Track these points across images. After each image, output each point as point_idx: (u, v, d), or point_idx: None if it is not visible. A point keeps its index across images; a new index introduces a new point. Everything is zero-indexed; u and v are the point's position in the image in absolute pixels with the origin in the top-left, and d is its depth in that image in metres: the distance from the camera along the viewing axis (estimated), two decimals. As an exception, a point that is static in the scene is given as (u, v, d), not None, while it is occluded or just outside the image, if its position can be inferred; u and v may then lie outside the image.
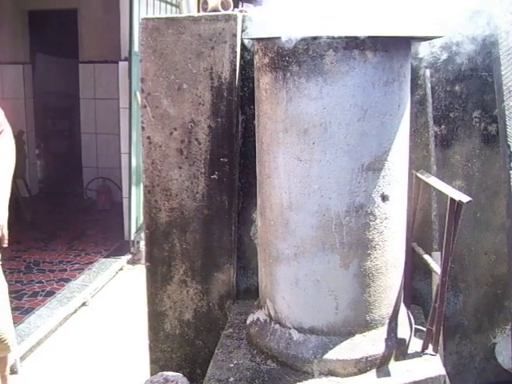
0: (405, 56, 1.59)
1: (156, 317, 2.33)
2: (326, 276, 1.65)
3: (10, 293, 4.65)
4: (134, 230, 5.89)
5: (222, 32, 1.96)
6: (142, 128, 2.06)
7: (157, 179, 2.11)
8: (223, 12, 2.04)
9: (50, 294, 4.85)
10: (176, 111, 2.02)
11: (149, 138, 2.07)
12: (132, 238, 5.88)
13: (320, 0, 1.52)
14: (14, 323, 4.21)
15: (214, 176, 2.06)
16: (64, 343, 4.17)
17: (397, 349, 1.74)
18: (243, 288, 2.29)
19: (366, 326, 1.72)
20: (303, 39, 1.46)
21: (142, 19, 2.03)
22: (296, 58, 1.50)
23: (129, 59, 5.58)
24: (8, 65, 7.53)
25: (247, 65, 2.02)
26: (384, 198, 1.60)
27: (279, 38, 1.50)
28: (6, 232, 2.64)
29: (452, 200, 1.62)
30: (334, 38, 1.45)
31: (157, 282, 2.26)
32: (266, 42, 1.58)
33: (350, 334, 1.72)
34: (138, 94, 5.40)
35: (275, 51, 1.55)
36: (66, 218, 7.08)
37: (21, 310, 4.48)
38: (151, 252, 2.22)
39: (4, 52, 7.21)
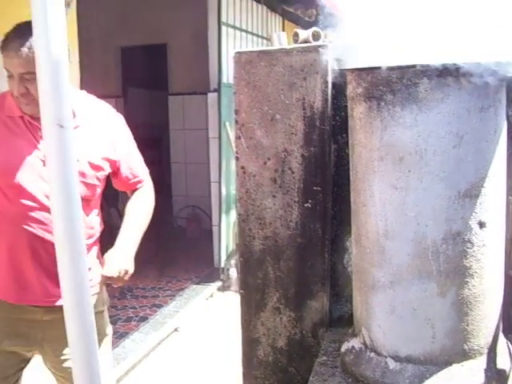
0: (500, 81, 1.58)
1: (249, 343, 2.35)
2: (422, 304, 1.63)
3: (105, 317, 4.82)
4: (223, 257, 5.98)
5: (314, 63, 2.00)
6: (236, 158, 2.11)
7: (251, 208, 2.15)
8: (314, 43, 2.08)
9: (143, 319, 5.00)
10: (269, 141, 2.07)
11: (243, 167, 2.12)
12: (222, 265, 5.98)
13: (411, 28, 1.54)
14: (109, 347, 4.36)
15: (308, 204, 2.08)
16: (157, 368, 4.27)
17: (496, 380, 1.69)
18: (336, 316, 2.28)
19: (464, 355, 1.68)
20: (397, 68, 1.47)
21: (236, 52, 2.09)
22: (390, 87, 1.52)
23: (218, 90, 5.74)
24: (102, 99, 7.85)
25: (338, 94, 2.04)
26: (481, 224, 1.58)
27: (373, 68, 1.52)
28: (126, 278, 2.71)
29: (552, 227, 1.58)
30: (428, 66, 1.45)
31: (251, 308, 2.29)
32: (360, 72, 1.60)
33: (448, 364, 1.68)
34: (227, 124, 5.54)
35: (369, 81, 1.57)
36: (157, 246, 7.26)
37: (116, 334, 4.62)
38: (245, 279, 2.26)
39: (98, 86, 7.56)
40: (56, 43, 1.11)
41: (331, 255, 2.20)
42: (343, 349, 1.93)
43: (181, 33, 7.79)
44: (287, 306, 2.25)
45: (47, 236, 2.32)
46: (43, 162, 2.30)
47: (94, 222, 2.60)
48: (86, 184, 2.48)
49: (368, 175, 1.63)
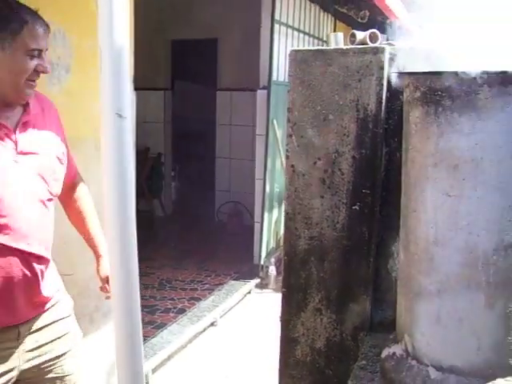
0: None
1: (288, 343, 2.34)
2: (469, 315, 1.60)
3: (144, 307, 4.89)
4: (263, 254, 5.99)
5: (370, 65, 1.98)
6: (287, 156, 2.11)
7: (298, 207, 2.14)
8: (371, 45, 2.07)
9: (181, 311, 5.05)
10: (321, 141, 2.06)
11: (293, 166, 2.11)
12: (261, 262, 6.00)
13: (473, 34, 1.51)
14: (148, 337, 4.40)
15: (356, 207, 2.07)
16: (193, 360, 4.30)
17: (541, 397, 1.66)
18: (377, 321, 2.26)
19: (509, 370, 1.65)
20: (458, 74, 1.45)
21: (291, 51, 2.09)
22: (449, 93, 1.49)
23: (267, 88, 5.75)
24: (151, 90, 7.94)
25: (393, 97, 2.02)
26: (534, 237, 1.55)
27: (432, 72, 1.50)
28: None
29: None
30: (489, 73, 1.43)
31: (291, 308, 2.28)
32: (418, 77, 1.58)
33: (491, 377, 1.65)
34: (274, 122, 5.55)
35: (427, 86, 1.54)
36: (197, 239, 7.32)
37: (154, 324, 4.69)
38: (288, 278, 2.25)
39: (147, 79, 7.64)
40: (119, 33, 1.12)
41: (376, 259, 2.18)
42: (384, 354, 1.91)
43: (232, 29, 7.83)
44: (329, 308, 2.24)
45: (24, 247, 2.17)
46: (15, 161, 2.12)
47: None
48: (58, 181, 2.33)
49: (421, 181, 1.60)
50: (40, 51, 2.09)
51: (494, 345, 1.64)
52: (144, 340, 4.36)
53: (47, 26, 2.13)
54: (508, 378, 1.66)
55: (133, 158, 1.16)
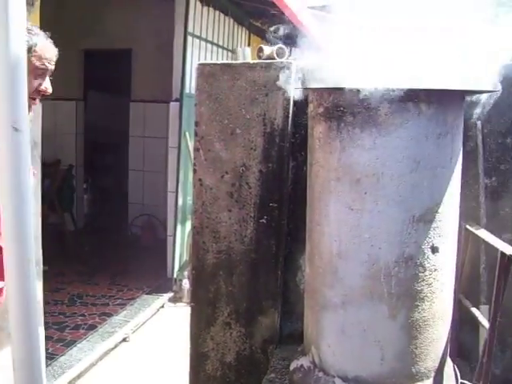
0: (458, 109, 1.60)
1: (198, 357, 2.33)
2: (372, 326, 1.64)
3: (53, 324, 4.73)
4: (176, 268, 5.93)
5: (277, 79, 2.00)
6: (194, 170, 2.10)
7: (206, 221, 2.14)
8: (278, 60, 2.09)
9: (92, 327, 4.90)
10: (228, 155, 2.06)
11: (200, 180, 2.11)
12: (175, 275, 5.93)
13: (374, 52, 1.55)
14: (56, 355, 4.26)
15: (263, 220, 2.08)
16: (104, 378, 4.19)
17: (442, 403, 1.71)
18: (286, 333, 2.28)
19: (412, 378, 1.70)
20: (359, 90, 1.48)
21: (199, 64, 2.08)
22: (351, 109, 1.53)
23: (180, 100, 5.70)
24: (62, 101, 7.74)
25: (300, 112, 2.05)
26: (434, 249, 1.60)
27: (335, 88, 1.53)
28: None
29: (502, 254, 1.60)
30: (389, 90, 1.47)
31: (201, 322, 2.27)
32: (321, 92, 1.61)
33: (395, 386, 1.69)
34: (187, 134, 5.52)
35: (330, 101, 1.57)
36: (110, 253, 7.15)
37: (63, 342, 4.53)
38: (197, 292, 2.24)
39: (59, 88, 7.43)
40: (15, 42, 1.09)
41: (284, 272, 2.19)
42: (292, 367, 1.93)
43: (146, 39, 7.73)
44: (238, 322, 2.24)
45: None
46: None
47: None
48: None
49: (324, 195, 1.63)
50: (44, 73, 2.17)
51: (397, 354, 1.68)
52: (52, 358, 4.23)
53: (56, 50, 2.21)
54: (411, 387, 1.70)
55: (29, 172, 1.12)
